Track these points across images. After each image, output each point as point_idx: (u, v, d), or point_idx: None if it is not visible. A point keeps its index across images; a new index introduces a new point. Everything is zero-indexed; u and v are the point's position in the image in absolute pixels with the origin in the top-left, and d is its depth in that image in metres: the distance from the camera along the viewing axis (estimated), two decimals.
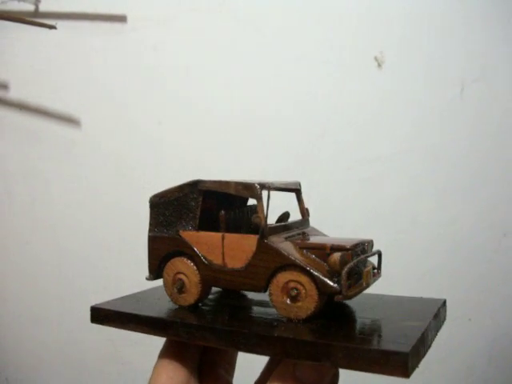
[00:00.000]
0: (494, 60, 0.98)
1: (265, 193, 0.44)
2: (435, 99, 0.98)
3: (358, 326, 0.39)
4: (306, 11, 0.97)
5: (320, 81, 0.97)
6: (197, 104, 0.96)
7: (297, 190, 0.51)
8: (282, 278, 0.40)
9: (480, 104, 0.99)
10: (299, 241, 0.43)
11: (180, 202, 0.46)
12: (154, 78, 0.96)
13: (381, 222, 0.98)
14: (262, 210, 0.43)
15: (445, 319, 0.43)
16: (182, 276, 0.46)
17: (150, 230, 0.48)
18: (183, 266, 0.46)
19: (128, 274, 0.95)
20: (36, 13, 0.92)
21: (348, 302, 0.44)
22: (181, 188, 0.46)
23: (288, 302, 0.40)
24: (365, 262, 0.43)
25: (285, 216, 0.49)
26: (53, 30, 0.88)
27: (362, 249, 0.42)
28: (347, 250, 0.40)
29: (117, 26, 0.94)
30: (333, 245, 0.41)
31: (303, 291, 0.39)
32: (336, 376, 0.46)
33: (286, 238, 0.43)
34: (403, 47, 0.97)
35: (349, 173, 0.97)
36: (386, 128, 0.98)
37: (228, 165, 0.95)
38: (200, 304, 0.46)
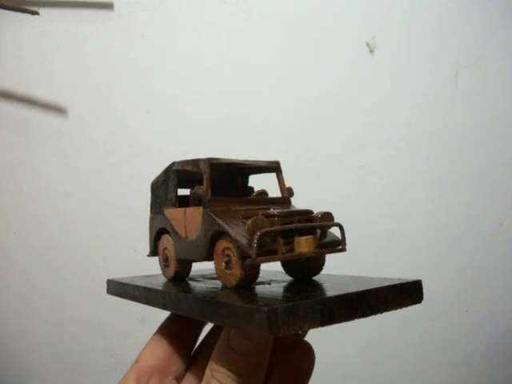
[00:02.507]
0: (488, 45, 0.96)
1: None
2: (429, 85, 0.97)
3: (276, 293, 0.38)
4: None
5: (311, 68, 0.95)
6: (185, 92, 0.95)
7: (274, 169, 0.50)
8: (220, 245, 0.41)
9: (475, 89, 0.97)
10: (245, 211, 0.43)
11: (165, 183, 0.50)
12: (142, 65, 0.94)
13: (374, 210, 0.97)
14: (206, 182, 0.44)
15: (414, 300, 0.39)
16: (166, 251, 0.49)
17: (150, 212, 0.53)
18: (167, 242, 0.49)
19: (116, 264, 0.94)
20: (22, 0, 0.91)
21: (320, 279, 0.44)
22: (165, 171, 0.51)
23: (224, 269, 0.40)
24: (309, 231, 0.40)
25: (261, 194, 0.50)
26: (39, 18, 0.87)
27: (303, 218, 0.41)
28: (273, 216, 0.39)
29: (103, 13, 0.92)
30: (264, 212, 0.40)
31: (233, 258, 0.39)
32: (308, 360, 0.46)
33: (236, 210, 0.42)
34: (395, 32, 0.95)
35: (341, 161, 0.96)
36: (379, 115, 0.96)
37: (216, 154, 0.93)
38: (187, 278, 0.49)
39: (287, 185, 0.50)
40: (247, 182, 0.55)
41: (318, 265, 0.44)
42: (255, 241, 0.37)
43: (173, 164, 0.49)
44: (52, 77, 0.93)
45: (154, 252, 0.52)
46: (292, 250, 0.39)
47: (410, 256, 0.97)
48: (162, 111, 0.95)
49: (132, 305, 0.93)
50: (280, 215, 0.39)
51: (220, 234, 0.40)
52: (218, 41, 0.95)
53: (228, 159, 0.47)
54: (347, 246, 0.43)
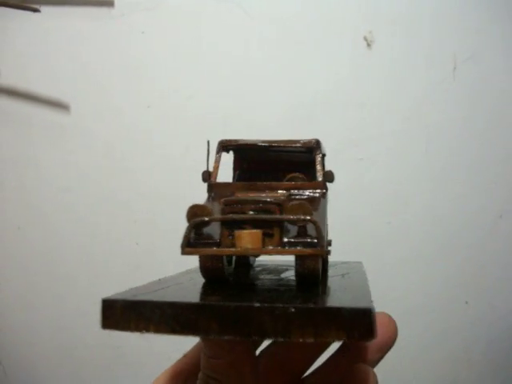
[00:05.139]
0: (486, 38, 0.96)
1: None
2: (427, 79, 0.97)
3: (226, 289, 0.35)
4: None
5: (308, 62, 0.96)
6: (185, 88, 0.96)
7: (312, 150, 0.43)
8: None
9: (473, 83, 0.97)
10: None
11: None
12: (143, 62, 0.95)
13: (372, 204, 0.97)
14: (214, 166, 0.42)
15: (350, 334, 0.27)
16: None
17: None
18: None
19: (118, 257, 0.96)
20: None
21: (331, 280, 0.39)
22: None
23: None
24: (268, 224, 0.32)
25: (293, 179, 0.43)
26: (40, 16, 0.89)
27: (260, 208, 0.33)
28: (229, 204, 0.34)
29: (104, 10, 0.94)
30: (225, 199, 0.35)
31: None
32: None
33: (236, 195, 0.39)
34: (393, 26, 0.96)
35: (339, 155, 0.96)
36: (377, 109, 0.97)
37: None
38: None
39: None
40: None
41: (305, 268, 0.34)
42: (185, 231, 0.33)
43: None
44: (54, 74, 0.95)
45: None
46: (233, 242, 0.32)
47: (409, 248, 0.97)
48: (162, 107, 0.96)
49: None
50: (226, 203, 0.33)
51: None
52: (217, 37, 0.96)
53: (246, 140, 0.43)
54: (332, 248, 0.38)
